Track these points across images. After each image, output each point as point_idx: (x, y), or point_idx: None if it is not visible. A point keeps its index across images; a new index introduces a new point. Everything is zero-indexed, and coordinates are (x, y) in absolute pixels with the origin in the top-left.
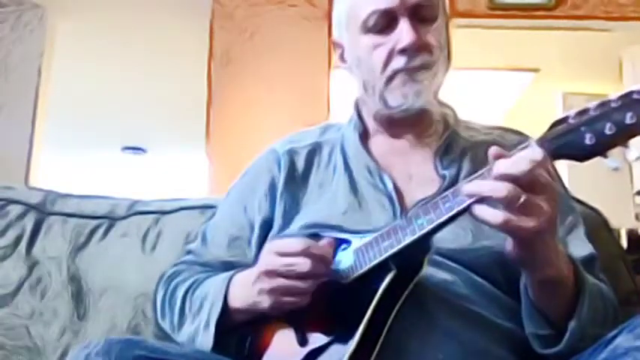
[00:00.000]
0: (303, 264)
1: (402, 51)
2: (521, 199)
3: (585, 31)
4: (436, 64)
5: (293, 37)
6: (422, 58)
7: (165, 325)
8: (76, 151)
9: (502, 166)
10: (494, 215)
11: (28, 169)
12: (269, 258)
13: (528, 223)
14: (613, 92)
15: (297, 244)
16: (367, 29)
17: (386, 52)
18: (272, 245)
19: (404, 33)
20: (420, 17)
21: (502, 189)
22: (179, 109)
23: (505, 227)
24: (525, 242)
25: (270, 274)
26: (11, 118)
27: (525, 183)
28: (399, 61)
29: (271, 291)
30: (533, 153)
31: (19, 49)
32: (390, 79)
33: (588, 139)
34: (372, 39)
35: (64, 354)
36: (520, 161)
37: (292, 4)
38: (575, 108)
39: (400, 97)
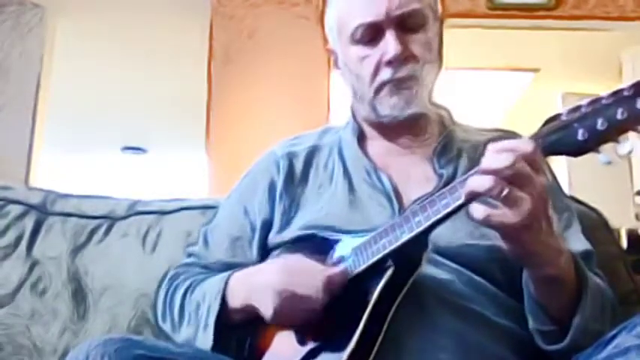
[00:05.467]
0: (318, 300)
1: (388, 63)
2: (504, 192)
3: (585, 31)
4: (423, 71)
5: (293, 37)
6: (408, 69)
7: (166, 327)
8: (76, 151)
9: (485, 161)
10: (477, 210)
11: (28, 169)
12: (284, 280)
13: (510, 217)
14: None
15: (317, 277)
16: (355, 41)
17: (373, 63)
18: (290, 269)
19: (389, 45)
20: (406, 27)
21: (485, 182)
22: (179, 109)
23: (486, 222)
24: (511, 237)
25: (282, 296)
26: (11, 118)
27: (508, 176)
28: (385, 73)
29: (277, 312)
30: (518, 143)
31: (19, 49)
32: (379, 90)
33: (581, 135)
34: (360, 50)
35: (64, 354)
36: (502, 154)
37: (293, 4)
38: None
39: (388, 108)
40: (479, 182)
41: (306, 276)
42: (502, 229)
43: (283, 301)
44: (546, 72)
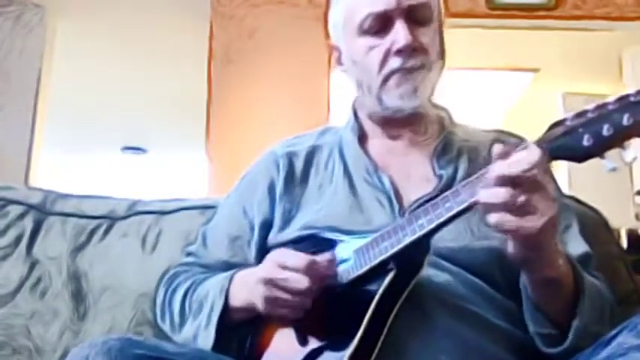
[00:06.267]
0: (301, 282)
1: (398, 52)
2: (519, 201)
3: (585, 31)
4: (431, 64)
5: (293, 37)
6: (417, 59)
7: (166, 327)
8: (76, 151)
9: (499, 168)
10: (492, 217)
11: (28, 169)
12: (270, 267)
13: (527, 223)
14: (613, 92)
15: (300, 260)
16: (363, 31)
17: (382, 53)
18: (275, 255)
19: (400, 34)
20: (415, 19)
21: (499, 195)
22: (179, 109)
23: (501, 229)
24: (527, 243)
25: (268, 283)
26: (11, 118)
27: (524, 184)
28: (395, 62)
29: (266, 299)
30: (530, 154)
31: (19, 49)
32: (386, 79)
33: (586, 141)
34: (368, 41)
35: (64, 354)
36: (518, 162)
37: (293, 4)
38: (575, 108)
39: (396, 98)
40: (492, 194)
41: (290, 260)
42: (519, 235)
43: (270, 287)
44: (546, 72)
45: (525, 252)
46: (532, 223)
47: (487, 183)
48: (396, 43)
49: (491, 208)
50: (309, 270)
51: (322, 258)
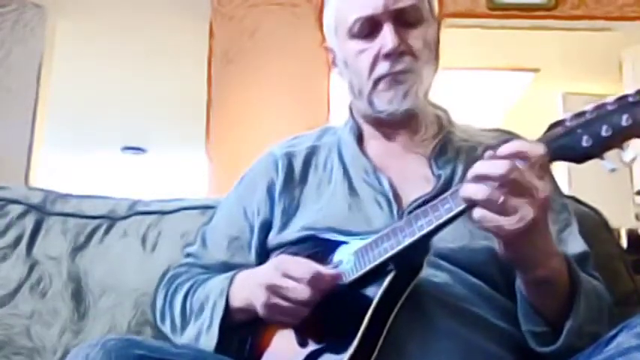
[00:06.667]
0: (303, 293)
1: (386, 56)
2: (500, 201)
3: (585, 31)
4: (421, 67)
5: (293, 37)
6: (405, 62)
7: (166, 329)
8: (76, 151)
9: (481, 166)
10: (475, 212)
11: (28, 169)
12: (273, 275)
13: (508, 223)
14: (613, 92)
15: (304, 271)
16: (353, 35)
17: (371, 57)
18: (280, 263)
19: (387, 38)
20: (404, 22)
21: (480, 191)
22: (179, 109)
23: (483, 226)
24: (509, 242)
25: (269, 290)
26: (11, 118)
27: (506, 184)
28: (383, 66)
29: (267, 305)
30: (526, 147)
31: (19, 49)
32: (376, 83)
33: (585, 141)
34: (358, 44)
35: (64, 354)
36: (502, 159)
37: (293, 4)
38: (575, 108)
39: (386, 102)
40: (474, 190)
41: (295, 269)
42: (501, 235)
43: (271, 294)
44: (546, 72)
45: (508, 252)
46: (511, 224)
47: (470, 178)
48: (383, 47)
49: (473, 204)
50: (313, 281)
51: (328, 272)
